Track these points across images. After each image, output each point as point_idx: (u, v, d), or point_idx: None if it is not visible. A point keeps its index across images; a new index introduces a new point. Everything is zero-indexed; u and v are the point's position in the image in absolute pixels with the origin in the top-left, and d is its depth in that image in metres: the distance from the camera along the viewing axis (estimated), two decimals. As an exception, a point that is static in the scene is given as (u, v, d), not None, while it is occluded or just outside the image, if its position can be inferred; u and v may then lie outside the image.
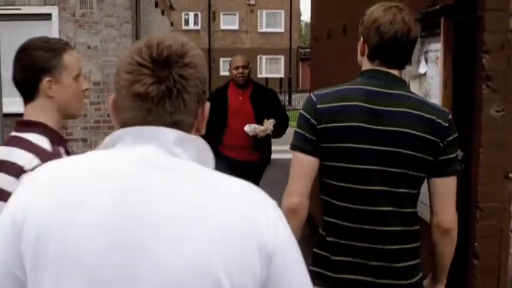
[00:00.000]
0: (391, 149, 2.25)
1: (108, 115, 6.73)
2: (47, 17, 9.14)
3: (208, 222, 1.10)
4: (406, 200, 2.32)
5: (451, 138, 2.30)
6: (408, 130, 2.25)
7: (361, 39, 2.40)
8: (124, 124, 1.20)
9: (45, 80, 2.14)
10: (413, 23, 2.31)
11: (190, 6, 39.26)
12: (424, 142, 2.26)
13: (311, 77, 8.04)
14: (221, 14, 40.23)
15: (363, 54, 2.40)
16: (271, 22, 40.79)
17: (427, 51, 3.60)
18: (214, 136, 5.58)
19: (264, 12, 40.53)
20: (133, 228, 1.08)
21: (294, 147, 2.36)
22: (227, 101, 6.08)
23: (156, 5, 13.08)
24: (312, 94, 2.39)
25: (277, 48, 40.24)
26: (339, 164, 2.30)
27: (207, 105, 1.27)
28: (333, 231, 2.38)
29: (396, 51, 2.32)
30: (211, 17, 40.05)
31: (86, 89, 2.25)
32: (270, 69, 40.54)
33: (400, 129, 2.25)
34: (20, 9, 9.11)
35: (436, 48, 3.50)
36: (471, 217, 3.12)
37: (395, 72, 2.37)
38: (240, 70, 6.03)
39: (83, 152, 1.23)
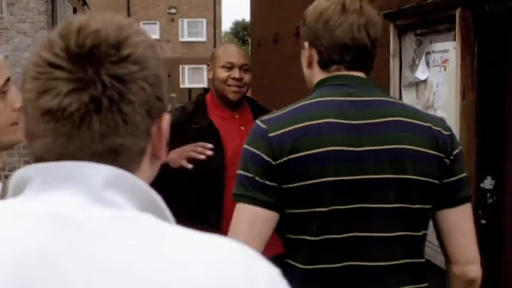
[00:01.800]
0: (388, 176, 1.68)
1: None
2: None
3: None
4: (405, 248, 1.73)
5: (457, 151, 1.77)
6: (406, 146, 1.69)
7: (306, 44, 1.83)
8: (38, 158, 0.84)
9: None
10: (373, 13, 1.78)
11: (109, 15, 38.12)
12: (428, 160, 1.71)
13: (252, 87, 7.30)
14: (141, 23, 39.28)
15: (310, 65, 1.83)
16: (192, 31, 40.26)
17: (428, 53, 2.92)
18: (200, 215, 2.79)
19: (186, 21, 39.99)
20: None
21: (239, 197, 1.70)
22: (219, 137, 2.93)
23: (75, 11, 12.09)
24: (258, 121, 1.76)
25: (199, 58, 39.59)
26: (312, 209, 1.67)
27: (166, 118, 0.90)
28: None
29: (355, 49, 1.75)
30: (130, 26, 39.09)
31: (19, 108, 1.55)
32: (193, 79, 39.88)
33: (395, 146, 1.68)
34: None
35: (442, 48, 2.83)
36: (503, 263, 2.44)
37: (361, 75, 1.80)
38: (237, 73, 2.98)
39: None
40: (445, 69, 2.79)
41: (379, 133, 1.69)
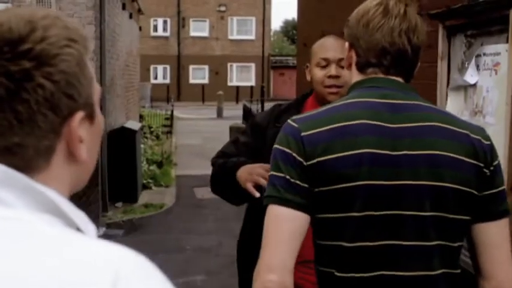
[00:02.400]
0: (424, 182, 1.61)
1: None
2: (-1, 16, 8.17)
3: None
4: (440, 258, 1.66)
5: (496, 162, 1.70)
6: (444, 152, 1.62)
7: (347, 45, 1.79)
8: None
9: None
10: (418, 19, 1.72)
11: (159, 12, 38.52)
12: (465, 168, 1.64)
13: (297, 86, 7.20)
14: (191, 20, 39.68)
15: (350, 66, 1.79)
16: (242, 29, 40.36)
17: (479, 55, 2.76)
18: None
19: (235, 19, 40.11)
20: None
21: (271, 199, 1.64)
22: None
23: (124, 7, 12.14)
24: (289, 120, 1.71)
25: (248, 56, 39.73)
26: (345, 214, 1.61)
27: (78, 116, 0.85)
28: None
29: (394, 54, 1.69)
30: (180, 24, 39.41)
31: None
32: (241, 77, 39.94)
33: (431, 151, 1.62)
34: (-33, 7, 8.13)
35: (493, 50, 2.67)
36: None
37: (398, 80, 1.74)
38: (333, 70, 2.50)
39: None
40: (496, 73, 2.63)
41: (416, 137, 1.63)
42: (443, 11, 2.96)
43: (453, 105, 2.99)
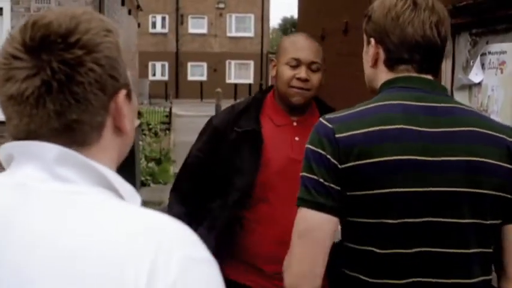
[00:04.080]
0: (462, 189, 1.57)
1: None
2: (-2, 11, 8.20)
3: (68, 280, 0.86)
4: (480, 265, 1.63)
5: None
6: (482, 159, 1.59)
7: (372, 41, 1.72)
8: (13, 137, 1.01)
9: None
10: (443, 11, 1.69)
11: (158, 9, 38.45)
12: (502, 174, 1.60)
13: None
14: (189, 17, 39.60)
15: (375, 64, 1.73)
16: (240, 26, 40.27)
17: (484, 54, 2.74)
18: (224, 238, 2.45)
19: (234, 16, 40.03)
20: None
21: (304, 202, 1.60)
22: (259, 148, 2.42)
23: (123, 3, 12.11)
24: (323, 119, 1.65)
25: (246, 53, 39.68)
26: (380, 220, 1.57)
27: (122, 93, 1.02)
28: None
29: (426, 48, 1.65)
30: (179, 20, 39.33)
31: None
32: (240, 74, 39.88)
33: (469, 158, 1.58)
34: (-34, 2, 8.12)
35: (499, 49, 2.65)
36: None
37: (430, 78, 1.70)
38: (303, 73, 2.42)
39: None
40: (501, 72, 2.62)
41: (454, 143, 1.59)
42: (449, 9, 2.94)
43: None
